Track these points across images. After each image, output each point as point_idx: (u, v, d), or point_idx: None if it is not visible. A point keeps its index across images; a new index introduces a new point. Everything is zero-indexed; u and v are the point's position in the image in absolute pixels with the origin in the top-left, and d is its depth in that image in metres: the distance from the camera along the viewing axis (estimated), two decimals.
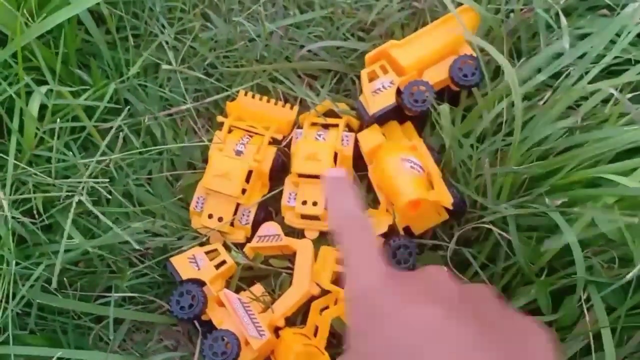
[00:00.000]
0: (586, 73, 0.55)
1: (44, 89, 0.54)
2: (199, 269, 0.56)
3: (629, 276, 0.38)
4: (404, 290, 0.26)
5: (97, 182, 0.45)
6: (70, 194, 0.45)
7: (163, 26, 0.65)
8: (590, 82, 0.52)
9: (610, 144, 0.47)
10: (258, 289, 0.58)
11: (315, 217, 0.59)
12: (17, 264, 0.49)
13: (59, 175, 0.53)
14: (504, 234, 0.50)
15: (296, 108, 0.64)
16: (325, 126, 0.62)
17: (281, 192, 0.61)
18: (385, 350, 0.24)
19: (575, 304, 0.47)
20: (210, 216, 0.59)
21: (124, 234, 0.47)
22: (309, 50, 0.64)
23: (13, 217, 0.48)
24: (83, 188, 0.44)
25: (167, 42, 0.63)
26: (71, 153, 0.56)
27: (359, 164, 0.61)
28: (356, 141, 0.60)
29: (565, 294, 0.50)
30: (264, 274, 0.59)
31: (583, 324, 0.47)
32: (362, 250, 0.28)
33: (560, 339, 0.48)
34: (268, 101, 0.64)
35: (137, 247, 0.49)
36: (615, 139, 0.46)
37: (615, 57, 0.55)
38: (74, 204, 0.43)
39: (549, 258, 0.49)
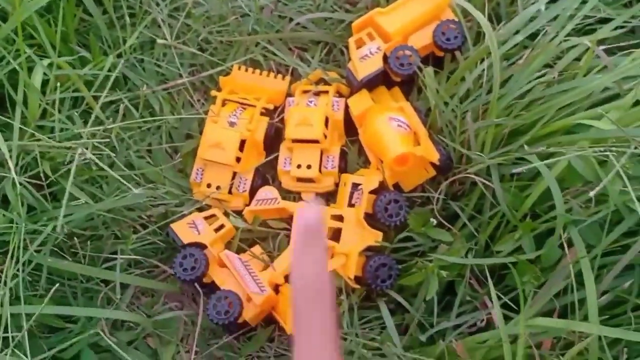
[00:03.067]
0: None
1: (45, 62, 0.56)
2: (199, 233, 0.59)
3: (592, 194, 0.41)
4: None
5: (100, 143, 0.48)
6: (72, 153, 0.47)
7: (157, 4, 0.67)
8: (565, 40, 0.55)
9: (584, 91, 0.50)
10: (257, 249, 0.61)
11: (310, 180, 0.61)
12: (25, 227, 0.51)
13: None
14: (487, 182, 0.53)
15: (288, 78, 0.66)
16: (317, 93, 0.64)
17: (277, 159, 0.63)
18: None
19: (556, 243, 0.50)
20: (208, 185, 0.62)
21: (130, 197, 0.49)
22: (298, 24, 0.66)
23: (20, 184, 0.50)
24: (87, 148, 0.46)
25: (162, 20, 0.66)
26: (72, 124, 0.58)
27: (350, 128, 0.64)
28: (346, 107, 0.63)
29: (548, 238, 0.52)
30: (263, 237, 0.62)
31: (565, 263, 0.50)
32: (315, 339, 0.27)
33: (544, 279, 0.51)
34: (260, 73, 0.67)
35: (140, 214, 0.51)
36: (588, 85, 0.49)
37: (589, 17, 0.58)
38: (76, 157, 0.45)
39: (531, 203, 0.52)
